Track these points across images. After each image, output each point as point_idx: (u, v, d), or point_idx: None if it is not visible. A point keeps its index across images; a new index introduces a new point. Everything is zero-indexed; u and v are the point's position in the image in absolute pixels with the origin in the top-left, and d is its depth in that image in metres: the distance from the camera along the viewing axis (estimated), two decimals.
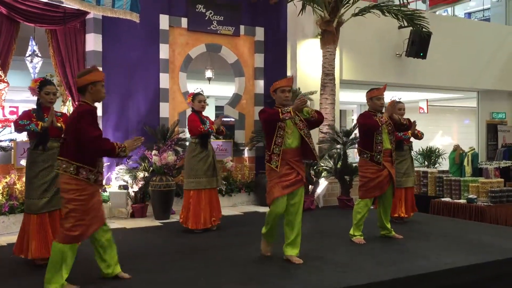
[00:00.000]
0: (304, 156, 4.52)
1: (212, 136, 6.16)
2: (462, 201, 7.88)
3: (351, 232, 5.31)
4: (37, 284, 3.80)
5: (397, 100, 6.13)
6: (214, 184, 5.89)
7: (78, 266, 4.12)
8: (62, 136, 3.98)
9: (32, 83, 4.47)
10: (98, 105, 7.25)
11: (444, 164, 12.05)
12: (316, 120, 4.50)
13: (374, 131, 5.12)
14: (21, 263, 4.48)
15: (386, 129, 5.21)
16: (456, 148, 11.90)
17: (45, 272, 3.58)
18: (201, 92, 6.00)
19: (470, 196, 7.77)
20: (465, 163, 11.55)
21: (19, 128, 4.35)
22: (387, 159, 5.21)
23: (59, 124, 4.36)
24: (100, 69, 6.95)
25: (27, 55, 6.93)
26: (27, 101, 14.25)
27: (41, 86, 4.41)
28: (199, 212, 5.75)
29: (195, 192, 5.76)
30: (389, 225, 5.45)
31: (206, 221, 5.78)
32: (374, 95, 5.30)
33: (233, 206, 7.83)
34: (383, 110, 5.30)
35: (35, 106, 4.45)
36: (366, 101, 5.40)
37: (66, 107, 7.04)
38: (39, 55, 6.96)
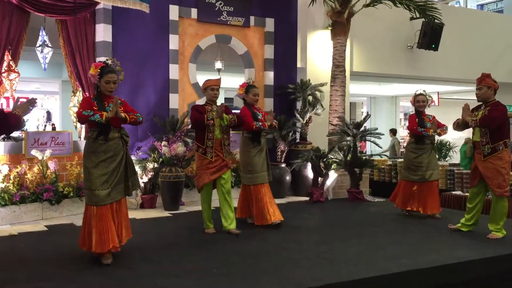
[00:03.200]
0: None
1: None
2: None
3: (501, 227, 5.07)
4: (46, 274, 3.83)
5: (419, 92, 6.24)
6: (269, 178, 5.65)
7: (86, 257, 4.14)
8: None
9: (92, 69, 4.15)
10: None
11: (455, 157, 11.96)
12: (235, 124, 5.30)
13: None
14: (32, 252, 4.51)
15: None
16: (468, 141, 11.75)
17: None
18: (254, 84, 5.76)
19: None
20: None
21: (83, 119, 4.09)
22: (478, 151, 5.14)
23: (123, 115, 4.09)
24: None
25: (37, 45, 6.93)
26: (38, 92, 14.40)
27: (102, 74, 4.11)
28: (260, 207, 5.52)
29: (251, 187, 5.55)
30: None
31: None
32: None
33: None
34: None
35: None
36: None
37: (76, 97, 7.05)
38: (50, 45, 6.96)
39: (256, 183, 5.52)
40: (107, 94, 4.19)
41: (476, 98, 5.24)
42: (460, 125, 5.27)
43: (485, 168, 5.02)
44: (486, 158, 5.02)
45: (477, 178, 5.14)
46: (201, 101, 6.86)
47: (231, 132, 7.71)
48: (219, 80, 5.37)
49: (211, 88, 5.26)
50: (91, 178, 4.06)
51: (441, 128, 6.18)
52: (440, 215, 6.21)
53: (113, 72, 4.17)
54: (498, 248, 4.67)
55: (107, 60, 4.28)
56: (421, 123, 6.14)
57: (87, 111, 4.00)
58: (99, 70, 4.12)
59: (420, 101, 6.23)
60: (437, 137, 6.66)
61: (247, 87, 5.65)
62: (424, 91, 6.33)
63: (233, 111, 5.74)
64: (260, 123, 5.50)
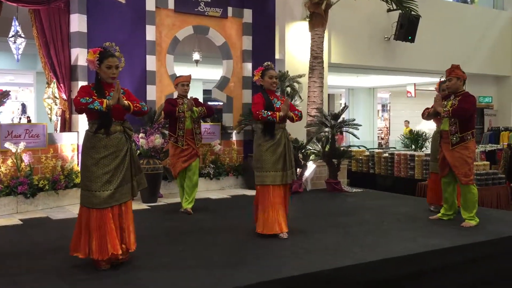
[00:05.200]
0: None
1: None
2: None
3: (473, 215, 5.18)
4: (22, 268, 3.77)
5: (444, 79, 5.80)
6: (285, 179, 4.76)
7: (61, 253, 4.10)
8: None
9: (89, 55, 3.78)
10: None
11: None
12: (205, 114, 5.96)
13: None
14: (7, 246, 4.43)
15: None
16: None
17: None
18: (271, 66, 4.95)
19: None
20: None
21: (81, 108, 3.62)
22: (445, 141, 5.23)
23: (126, 103, 3.71)
24: (86, 50, 6.92)
25: (10, 35, 6.76)
26: (12, 84, 14.10)
27: (102, 59, 3.72)
28: (266, 212, 4.71)
29: (261, 188, 4.77)
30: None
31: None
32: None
33: (221, 190, 7.82)
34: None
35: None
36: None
37: (50, 89, 6.92)
38: (23, 35, 6.79)
39: (264, 183, 4.72)
40: (109, 82, 3.78)
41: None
42: (431, 115, 5.39)
43: (453, 157, 5.13)
44: (454, 147, 5.13)
45: (446, 168, 5.24)
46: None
47: (210, 123, 7.83)
48: (189, 77, 6.00)
49: (182, 84, 5.91)
50: (91, 177, 3.64)
51: None
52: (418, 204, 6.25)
53: (114, 56, 3.79)
54: (472, 235, 4.77)
55: (105, 45, 3.91)
56: None
57: (85, 98, 3.59)
58: (98, 55, 3.74)
59: (445, 88, 5.69)
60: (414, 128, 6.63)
61: (263, 71, 4.86)
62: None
63: (212, 103, 5.76)
64: (269, 113, 4.67)
